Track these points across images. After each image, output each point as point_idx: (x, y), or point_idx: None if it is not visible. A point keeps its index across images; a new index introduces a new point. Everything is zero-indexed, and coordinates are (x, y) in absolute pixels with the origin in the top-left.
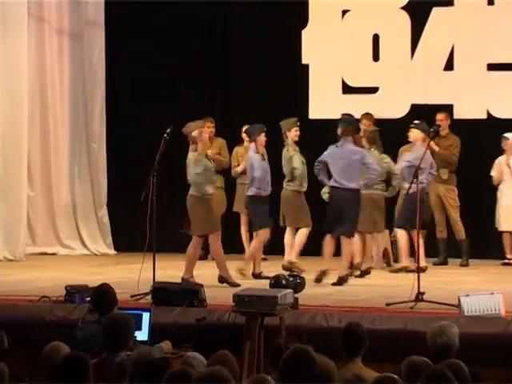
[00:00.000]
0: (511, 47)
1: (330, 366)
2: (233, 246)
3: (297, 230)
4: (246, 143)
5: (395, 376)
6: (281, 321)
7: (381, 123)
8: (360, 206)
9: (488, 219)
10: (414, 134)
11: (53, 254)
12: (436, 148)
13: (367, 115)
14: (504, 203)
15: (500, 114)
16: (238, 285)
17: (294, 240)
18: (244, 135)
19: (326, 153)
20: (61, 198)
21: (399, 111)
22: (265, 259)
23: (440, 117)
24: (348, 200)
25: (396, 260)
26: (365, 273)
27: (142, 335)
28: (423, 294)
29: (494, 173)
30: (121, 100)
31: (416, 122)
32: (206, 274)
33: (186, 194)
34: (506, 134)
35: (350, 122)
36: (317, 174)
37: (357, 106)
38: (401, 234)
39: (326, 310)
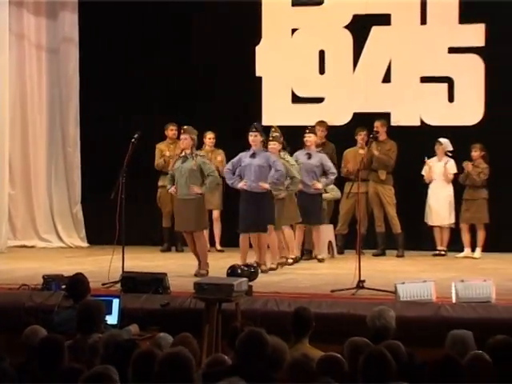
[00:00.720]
0: (441, 62)
1: (282, 347)
2: None
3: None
4: (207, 147)
5: (338, 355)
6: (237, 306)
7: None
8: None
9: (421, 215)
10: (311, 139)
11: (32, 247)
12: (376, 152)
13: (321, 122)
14: (434, 200)
15: (431, 121)
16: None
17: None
18: (207, 140)
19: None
20: (39, 196)
21: (343, 119)
22: (222, 251)
23: (377, 124)
24: None
25: (340, 251)
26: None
27: (112, 319)
28: (364, 281)
29: (424, 172)
30: (93, 108)
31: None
32: (169, 264)
33: (152, 193)
34: (440, 139)
35: None
36: None
37: (305, 115)
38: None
39: (277, 296)
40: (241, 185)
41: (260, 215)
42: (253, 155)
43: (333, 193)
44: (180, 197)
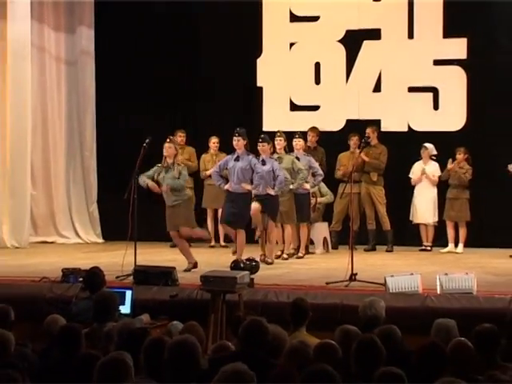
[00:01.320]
0: (427, 73)
1: (282, 335)
2: None
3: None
4: (212, 151)
5: (334, 342)
6: (239, 297)
7: (321, 135)
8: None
9: (409, 214)
10: (300, 143)
11: (52, 243)
12: (366, 159)
13: (313, 128)
14: (420, 200)
15: (418, 127)
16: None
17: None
18: (212, 144)
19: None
20: (58, 196)
21: (336, 125)
22: (225, 246)
23: (368, 130)
24: None
25: (334, 247)
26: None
27: (125, 309)
28: (356, 274)
29: (412, 175)
30: (108, 115)
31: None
32: (177, 258)
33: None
34: (425, 144)
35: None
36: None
37: (302, 121)
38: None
39: (276, 288)
40: (226, 187)
41: (239, 213)
42: (237, 158)
43: (327, 197)
44: (168, 204)
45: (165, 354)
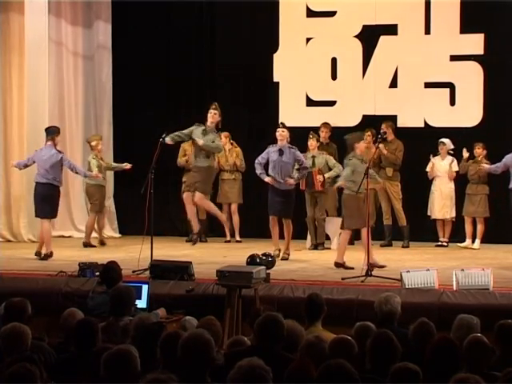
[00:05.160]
0: (443, 69)
1: (297, 330)
2: (216, 230)
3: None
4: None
5: (349, 337)
6: (255, 292)
7: (338, 131)
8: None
9: (425, 209)
10: (284, 133)
11: (69, 237)
12: (384, 151)
13: (325, 124)
14: (438, 195)
15: (434, 123)
16: None
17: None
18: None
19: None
20: (75, 191)
21: (353, 121)
22: (240, 241)
23: (383, 126)
24: None
25: (350, 242)
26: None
27: (141, 303)
28: (372, 270)
29: (428, 169)
30: (125, 109)
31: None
32: (193, 253)
33: (178, 188)
34: (443, 140)
35: None
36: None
37: (318, 117)
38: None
39: (292, 283)
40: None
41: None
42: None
43: (335, 169)
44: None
45: (178, 352)
